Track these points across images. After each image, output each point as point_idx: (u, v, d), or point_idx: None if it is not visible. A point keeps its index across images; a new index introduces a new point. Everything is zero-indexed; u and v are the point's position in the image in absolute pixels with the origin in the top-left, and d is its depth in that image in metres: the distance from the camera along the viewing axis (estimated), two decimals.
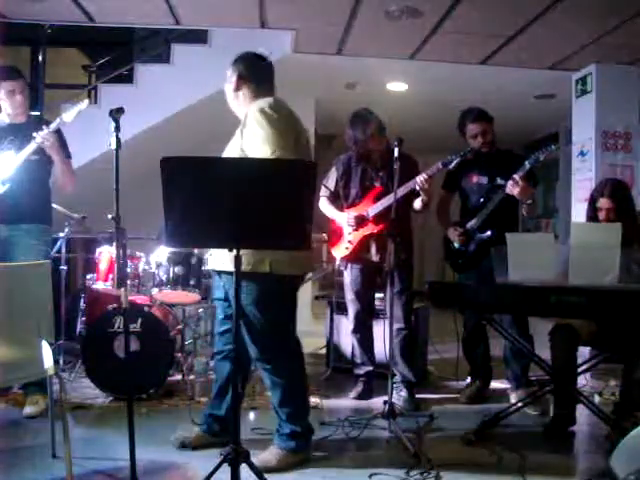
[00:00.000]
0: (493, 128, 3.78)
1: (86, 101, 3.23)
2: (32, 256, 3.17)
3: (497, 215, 3.62)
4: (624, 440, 2.02)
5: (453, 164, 3.56)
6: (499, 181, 3.67)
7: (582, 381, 3.94)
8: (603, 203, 3.30)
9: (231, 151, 2.74)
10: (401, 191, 3.39)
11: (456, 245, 3.76)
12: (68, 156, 3.47)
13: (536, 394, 3.35)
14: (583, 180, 5.38)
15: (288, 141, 2.61)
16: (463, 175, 3.81)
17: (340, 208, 3.83)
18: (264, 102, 2.68)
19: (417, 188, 3.48)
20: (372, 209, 3.68)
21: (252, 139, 2.60)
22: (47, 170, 3.40)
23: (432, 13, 4.46)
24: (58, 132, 3.37)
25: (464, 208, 3.89)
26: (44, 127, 3.25)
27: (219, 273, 2.74)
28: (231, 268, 2.22)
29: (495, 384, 4.06)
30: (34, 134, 3.21)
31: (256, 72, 2.86)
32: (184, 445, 2.87)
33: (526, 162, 3.46)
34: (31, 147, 3.22)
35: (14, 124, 3.39)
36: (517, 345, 3.52)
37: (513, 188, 3.45)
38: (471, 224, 3.71)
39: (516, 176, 3.44)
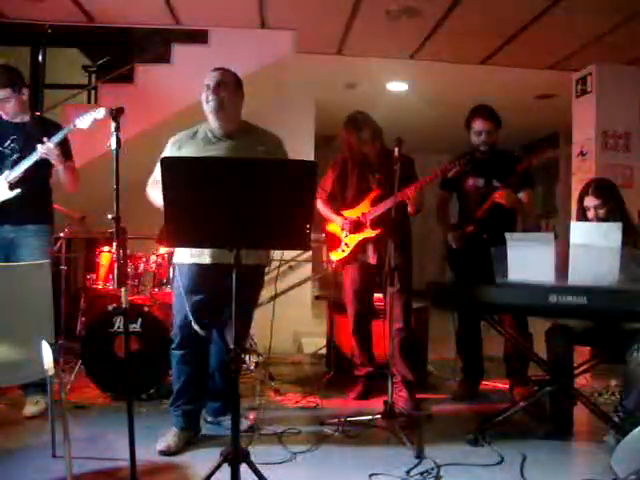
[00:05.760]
0: (497, 132, 3.78)
1: (102, 110, 3.16)
2: (38, 257, 3.16)
3: (494, 217, 3.63)
4: (624, 440, 2.03)
5: (452, 172, 3.58)
6: (495, 183, 3.69)
7: (582, 381, 3.94)
8: (588, 201, 3.28)
9: None
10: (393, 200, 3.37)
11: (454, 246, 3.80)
12: (70, 158, 3.42)
13: (536, 394, 3.35)
14: (583, 180, 5.38)
15: None
16: (460, 177, 3.81)
17: (337, 210, 3.83)
18: None
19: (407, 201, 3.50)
20: (369, 214, 3.67)
21: None
22: (48, 170, 3.38)
23: (432, 13, 4.47)
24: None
25: (461, 210, 3.92)
26: (48, 134, 3.20)
27: None
28: None
29: (493, 383, 4.07)
30: (39, 147, 3.17)
31: None
32: None
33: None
34: (34, 157, 3.19)
35: (16, 123, 3.36)
36: (516, 344, 3.53)
37: (500, 200, 3.58)
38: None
39: (501, 191, 3.58)
